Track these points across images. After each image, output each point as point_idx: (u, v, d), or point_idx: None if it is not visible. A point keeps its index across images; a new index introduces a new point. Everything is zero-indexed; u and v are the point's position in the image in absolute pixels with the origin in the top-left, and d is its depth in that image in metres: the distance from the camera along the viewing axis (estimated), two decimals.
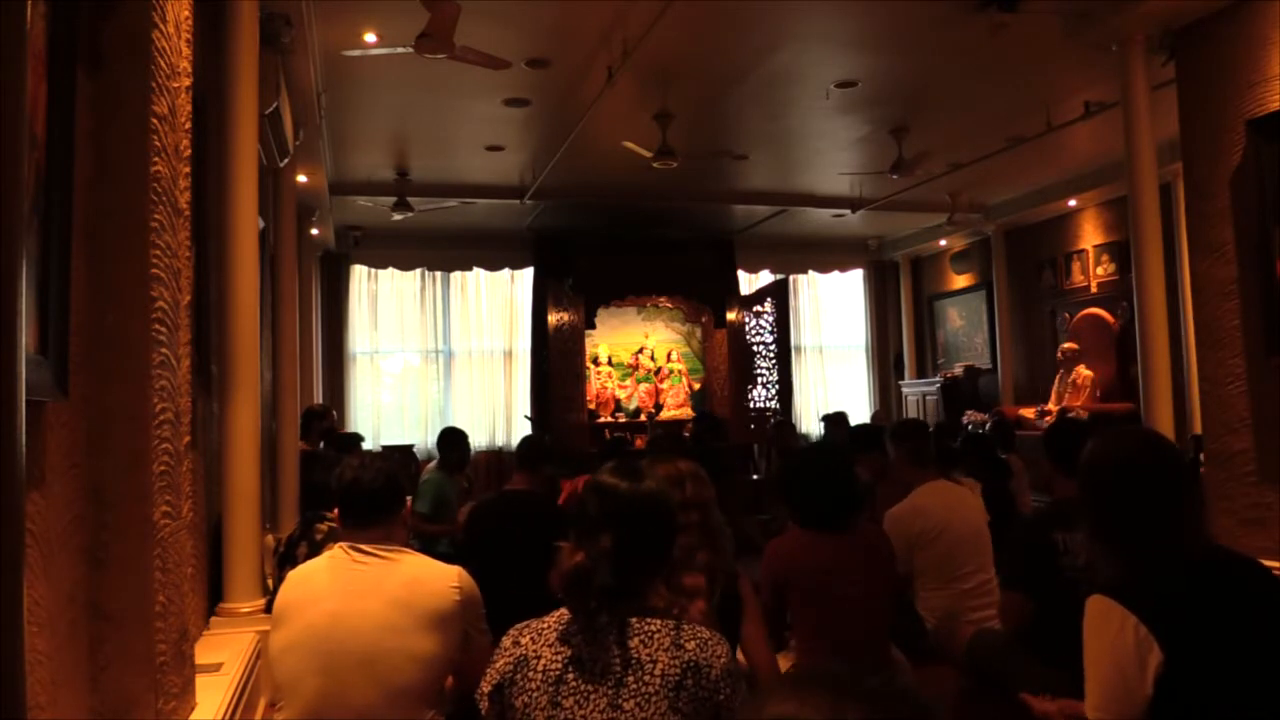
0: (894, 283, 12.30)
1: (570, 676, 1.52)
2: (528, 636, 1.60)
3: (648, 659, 1.52)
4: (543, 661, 1.55)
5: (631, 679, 1.50)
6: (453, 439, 6.04)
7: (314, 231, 8.35)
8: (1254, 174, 3.71)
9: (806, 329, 12.12)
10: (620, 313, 10.56)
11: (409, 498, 2.40)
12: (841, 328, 12.38)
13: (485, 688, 1.59)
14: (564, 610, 1.61)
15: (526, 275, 10.84)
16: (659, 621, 1.57)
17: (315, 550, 3.19)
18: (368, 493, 2.17)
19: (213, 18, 3.26)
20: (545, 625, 1.61)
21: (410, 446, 9.90)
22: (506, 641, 1.62)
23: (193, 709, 2.15)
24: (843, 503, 2.85)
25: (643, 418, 10.36)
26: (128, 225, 1.85)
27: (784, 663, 2.84)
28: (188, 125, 2.23)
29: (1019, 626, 2.93)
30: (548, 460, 4.17)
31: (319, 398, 9.12)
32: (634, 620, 1.56)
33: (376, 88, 6.08)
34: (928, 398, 10.94)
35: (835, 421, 7.71)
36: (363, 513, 2.17)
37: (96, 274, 1.79)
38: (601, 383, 10.45)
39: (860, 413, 11.61)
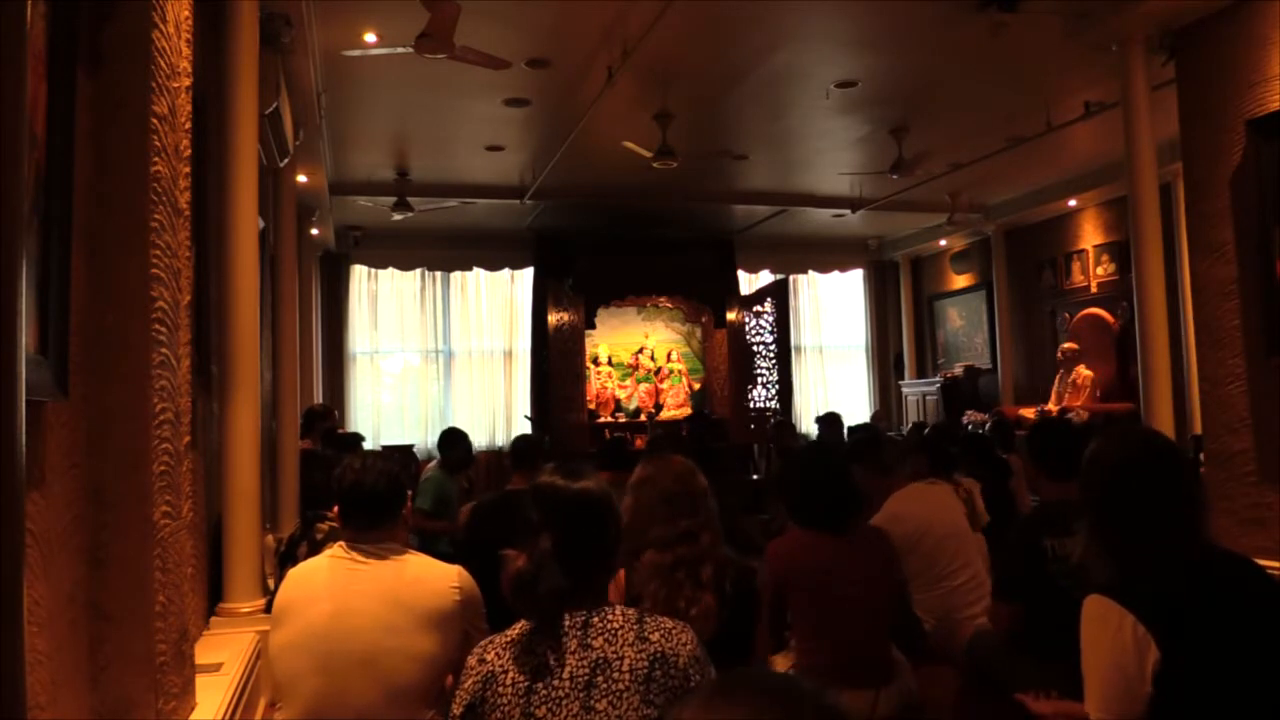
0: (894, 283, 12.30)
1: (540, 685, 1.51)
2: (492, 652, 1.58)
3: (614, 656, 1.51)
4: (510, 675, 1.53)
5: (601, 678, 1.49)
6: (453, 439, 6.05)
7: (314, 231, 8.35)
8: (1254, 174, 3.71)
9: (806, 329, 12.13)
10: (620, 313, 10.56)
11: (410, 492, 2.40)
12: (841, 328, 12.38)
13: (456, 710, 1.57)
14: (526, 620, 1.60)
15: (526, 275, 10.84)
16: (620, 616, 1.56)
17: (315, 550, 3.19)
18: (369, 496, 2.17)
19: (213, 18, 3.26)
20: (509, 638, 1.59)
21: (410, 446, 9.90)
22: (472, 660, 1.60)
23: (193, 709, 2.15)
24: (842, 503, 2.85)
25: (643, 418, 10.36)
26: (128, 225, 1.85)
27: (784, 663, 2.84)
28: (188, 125, 2.23)
29: (1012, 631, 2.92)
30: (544, 458, 4.16)
31: (319, 398, 9.12)
32: (595, 619, 1.55)
33: (376, 88, 6.08)
34: (928, 398, 10.94)
35: (829, 422, 7.67)
36: (364, 516, 2.17)
37: (96, 274, 1.79)
38: (601, 383, 10.45)
39: (860, 413, 11.61)
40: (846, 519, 2.84)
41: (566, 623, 1.55)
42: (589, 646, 1.52)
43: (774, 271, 11.60)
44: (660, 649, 1.52)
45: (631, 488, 2.40)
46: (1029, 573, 2.78)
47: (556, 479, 1.66)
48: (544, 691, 1.51)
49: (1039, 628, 2.67)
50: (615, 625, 1.55)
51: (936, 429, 5.47)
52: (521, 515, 1.65)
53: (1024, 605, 2.83)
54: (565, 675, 1.51)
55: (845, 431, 7.45)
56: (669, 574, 2.21)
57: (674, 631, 1.55)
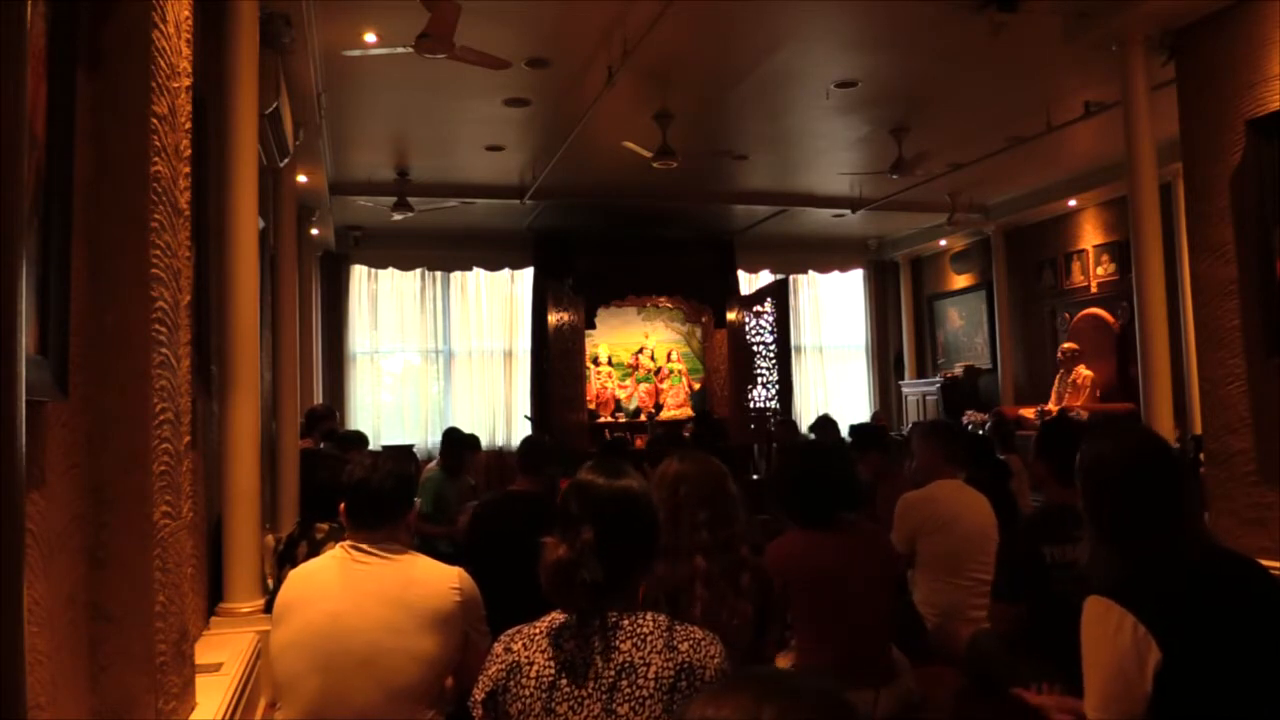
0: (894, 283, 12.30)
1: (563, 682, 1.51)
2: (519, 642, 1.59)
3: (640, 662, 1.50)
4: (535, 668, 1.54)
5: (625, 683, 1.49)
6: (449, 444, 6.07)
7: (314, 231, 8.35)
8: (1254, 174, 3.71)
9: (806, 329, 12.12)
10: (620, 313, 10.56)
11: (417, 500, 2.41)
12: (841, 328, 12.38)
13: (478, 695, 1.58)
14: (555, 614, 1.60)
15: (526, 275, 10.84)
16: (651, 622, 1.56)
17: (315, 550, 3.19)
18: (377, 494, 2.17)
19: (213, 18, 3.25)
20: (537, 630, 1.60)
21: (410, 446, 9.90)
22: (498, 648, 1.61)
23: (193, 709, 2.15)
24: (839, 499, 2.84)
25: (643, 418, 10.36)
26: (128, 225, 1.85)
27: (784, 662, 2.84)
28: (188, 125, 2.23)
29: (1013, 632, 2.92)
30: (550, 462, 4.16)
31: (319, 398, 9.12)
32: (625, 621, 1.55)
33: (376, 88, 6.08)
34: (928, 398, 10.94)
35: (823, 426, 7.56)
36: (369, 514, 2.17)
37: (96, 274, 1.79)
38: (601, 383, 10.45)
39: (860, 413, 11.61)
40: (844, 514, 2.84)
41: (598, 622, 1.54)
42: (616, 649, 1.52)
43: (774, 271, 11.59)
44: (688, 659, 1.51)
45: (666, 481, 2.38)
46: (1029, 576, 2.77)
47: (596, 476, 1.65)
48: (567, 688, 1.51)
49: (1039, 632, 2.67)
50: (645, 630, 1.54)
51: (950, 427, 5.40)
52: (561, 508, 1.65)
53: (1024, 607, 2.82)
54: (590, 675, 1.51)
55: (846, 432, 7.39)
56: (716, 582, 2.20)
57: (703, 643, 1.54)
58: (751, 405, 10.13)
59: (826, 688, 0.76)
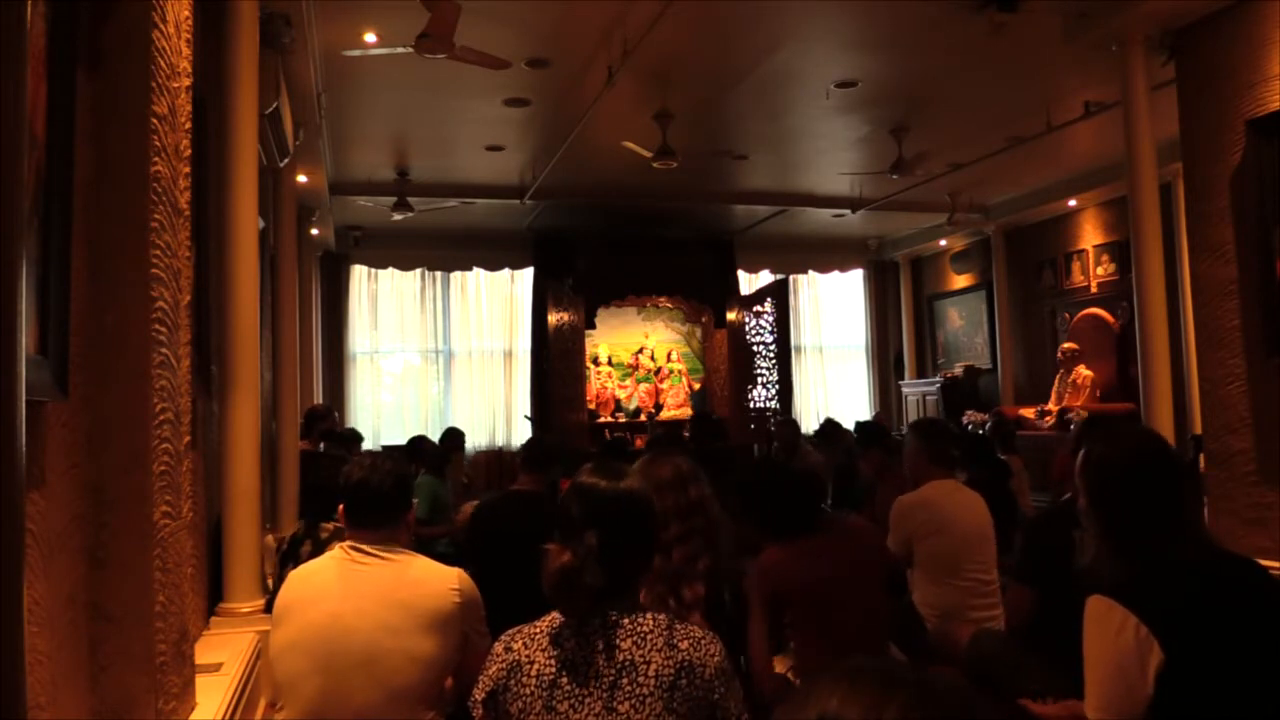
0: (894, 283, 12.30)
1: (564, 680, 1.52)
2: (519, 642, 1.59)
3: (641, 660, 1.51)
4: (536, 666, 1.54)
5: (625, 680, 1.50)
6: (417, 446, 6.11)
7: (314, 231, 8.35)
8: (1254, 174, 3.72)
9: (806, 329, 12.13)
10: (620, 313, 10.56)
11: (415, 500, 2.40)
12: (841, 328, 12.38)
13: (479, 695, 1.58)
14: (555, 614, 1.60)
15: (526, 275, 10.84)
16: (651, 620, 1.56)
17: (319, 549, 3.19)
18: (375, 494, 2.17)
19: (213, 18, 3.26)
20: (537, 630, 1.60)
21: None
22: (498, 648, 1.62)
23: (193, 709, 2.15)
24: (810, 501, 2.85)
25: (643, 418, 10.35)
26: (128, 225, 1.85)
27: (781, 665, 2.84)
28: (188, 125, 2.23)
29: (1021, 625, 2.92)
30: (554, 461, 4.15)
31: (319, 398, 9.12)
32: (626, 620, 1.55)
33: (376, 88, 6.08)
34: (928, 398, 10.94)
35: (825, 434, 7.48)
36: (368, 514, 2.17)
37: (96, 274, 1.79)
38: (601, 383, 10.45)
39: (861, 413, 11.61)
40: (818, 513, 2.85)
41: (599, 621, 1.55)
42: (617, 648, 1.52)
43: (774, 271, 11.59)
44: (688, 658, 1.52)
45: None
46: (1053, 564, 2.78)
47: (599, 479, 1.65)
48: (568, 687, 1.51)
49: (1052, 624, 2.67)
50: (645, 629, 1.55)
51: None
52: (561, 512, 1.64)
53: (1042, 596, 2.83)
54: (591, 674, 1.51)
55: (852, 430, 7.33)
56: (652, 583, 2.17)
57: (703, 641, 1.55)
58: (751, 405, 10.13)
59: (954, 685, 0.75)
